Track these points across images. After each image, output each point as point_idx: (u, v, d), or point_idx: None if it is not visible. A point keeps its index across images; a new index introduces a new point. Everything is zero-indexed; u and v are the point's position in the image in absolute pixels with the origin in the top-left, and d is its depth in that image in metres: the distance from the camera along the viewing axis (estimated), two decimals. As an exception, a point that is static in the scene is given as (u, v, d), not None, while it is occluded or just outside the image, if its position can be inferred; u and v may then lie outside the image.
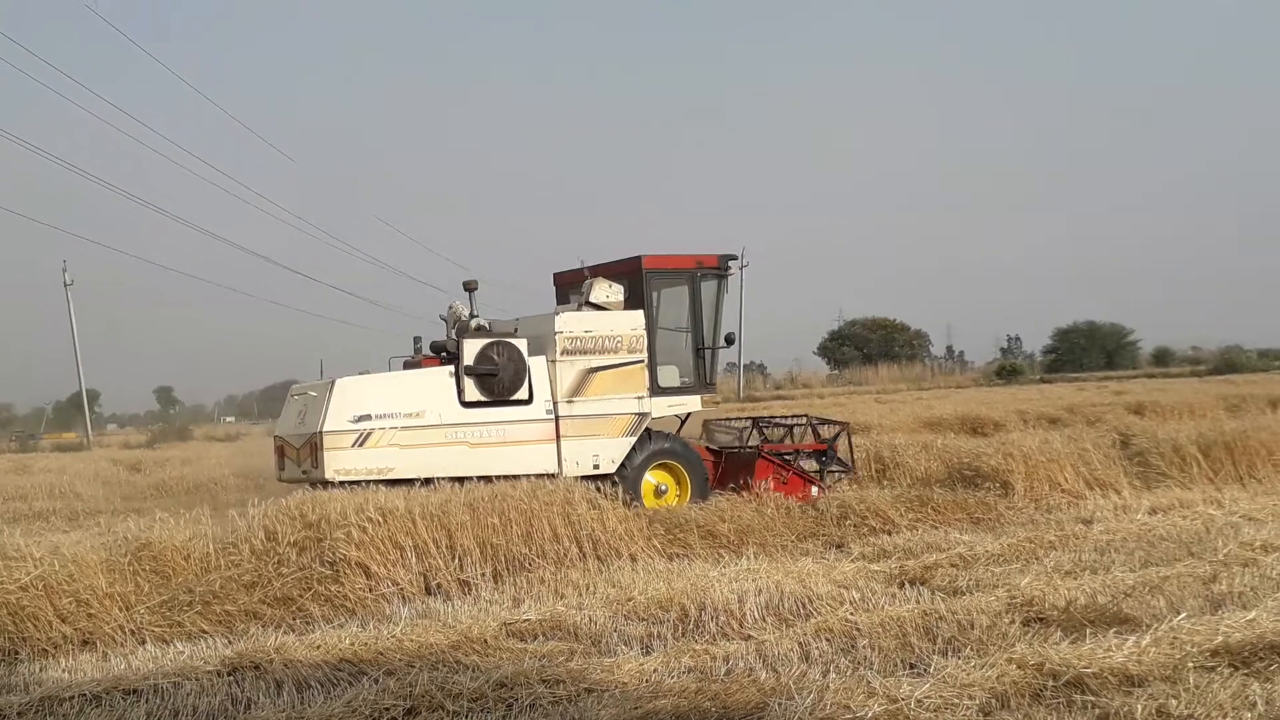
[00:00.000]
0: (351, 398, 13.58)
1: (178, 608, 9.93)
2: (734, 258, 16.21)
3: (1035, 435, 17.15)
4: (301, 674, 7.74)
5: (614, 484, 12.92)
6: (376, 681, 7.37)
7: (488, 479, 12.88)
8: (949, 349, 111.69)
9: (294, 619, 9.90)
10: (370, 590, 10.46)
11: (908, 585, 9.88)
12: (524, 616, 9.05)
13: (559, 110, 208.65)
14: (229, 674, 7.91)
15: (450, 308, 15.30)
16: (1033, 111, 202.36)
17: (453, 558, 11.06)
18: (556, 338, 14.57)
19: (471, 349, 14.08)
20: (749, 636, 8.26)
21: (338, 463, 13.31)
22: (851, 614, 8.59)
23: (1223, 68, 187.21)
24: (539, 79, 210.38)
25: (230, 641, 9.04)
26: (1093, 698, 6.20)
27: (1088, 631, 7.52)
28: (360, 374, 14.35)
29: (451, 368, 14.14)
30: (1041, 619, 8.19)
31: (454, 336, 14.72)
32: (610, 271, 15.53)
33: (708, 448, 16.43)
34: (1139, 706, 5.87)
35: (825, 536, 13.10)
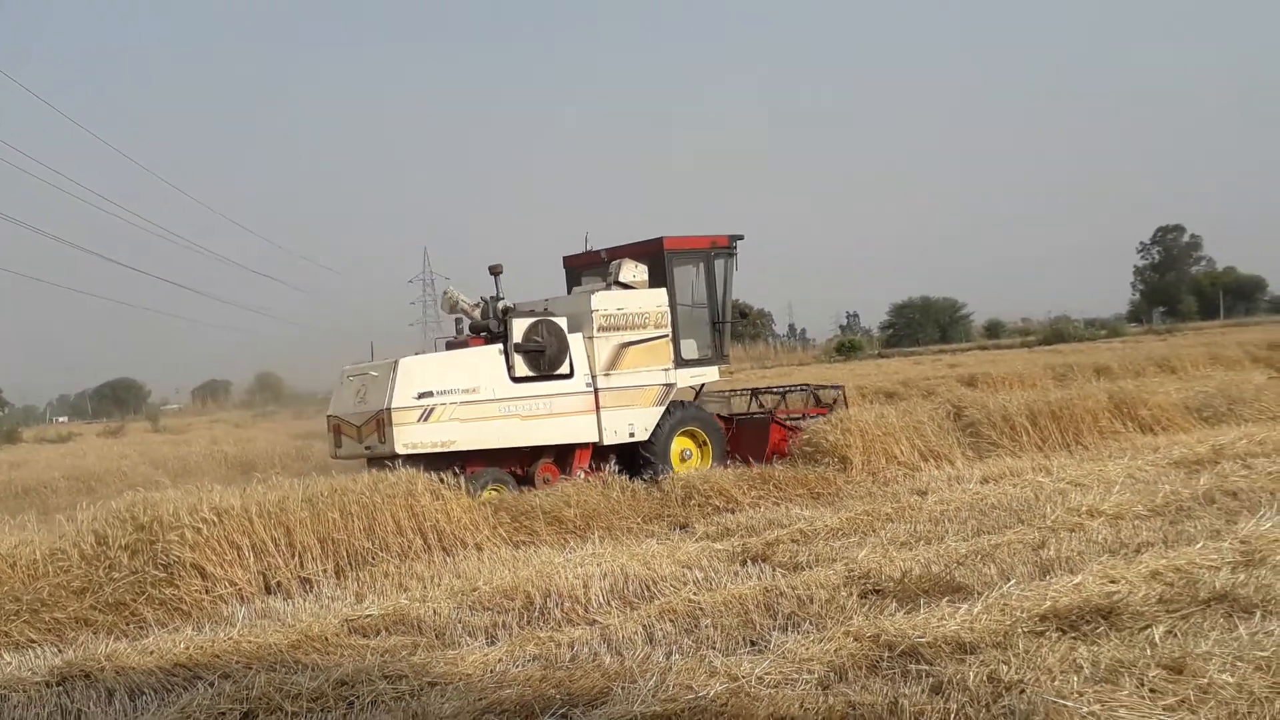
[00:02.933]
0: (415, 375, 14.25)
1: (4, 617, 9.57)
2: (740, 238, 17.10)
3: (872, 410, 17.43)
4: (134, 681, 7.52)
5: (455, 472, 12.85)
6: (212, 685, 7.18)
7: (537, 449, 15.01)
8: (791, 327, 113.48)
9: (127, 625, 9.61)
10: (207, 592, 10.19)
11: (750, 563, 9.99)
12: (366, 612, 8.91)
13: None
14: (58, 684, 7.65)
15: (445, 294, 16.33)
16: (868, 97, 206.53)
17: (292, 555, 10.83)
18: (593, 315, 15.50)
19: (519, 328, 14.93)
20: (594, 621, 8.26)
21: (405, 437, 13.95)
22: (695, 594, 8.65)
23: (1051, 60, 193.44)
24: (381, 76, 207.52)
25: (60, 650, 8.72)
26: (927, 667, 6.32)
27: (922, 601, 7.68)
28: (416, 354, 15.05)
29: (500, 346, 14.94)
30: (878, 590, 8.35)
31: (477, 319, 15.78)
32: (633, 252, 16.45)
33: (719, 415, 17.37)
34: (971, 674, 5.98)
35: (670, 517, 13.15)
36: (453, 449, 14.20)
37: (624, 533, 12.33)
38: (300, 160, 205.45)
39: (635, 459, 15.73)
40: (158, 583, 10.15)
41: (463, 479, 12.77)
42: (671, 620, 8.05)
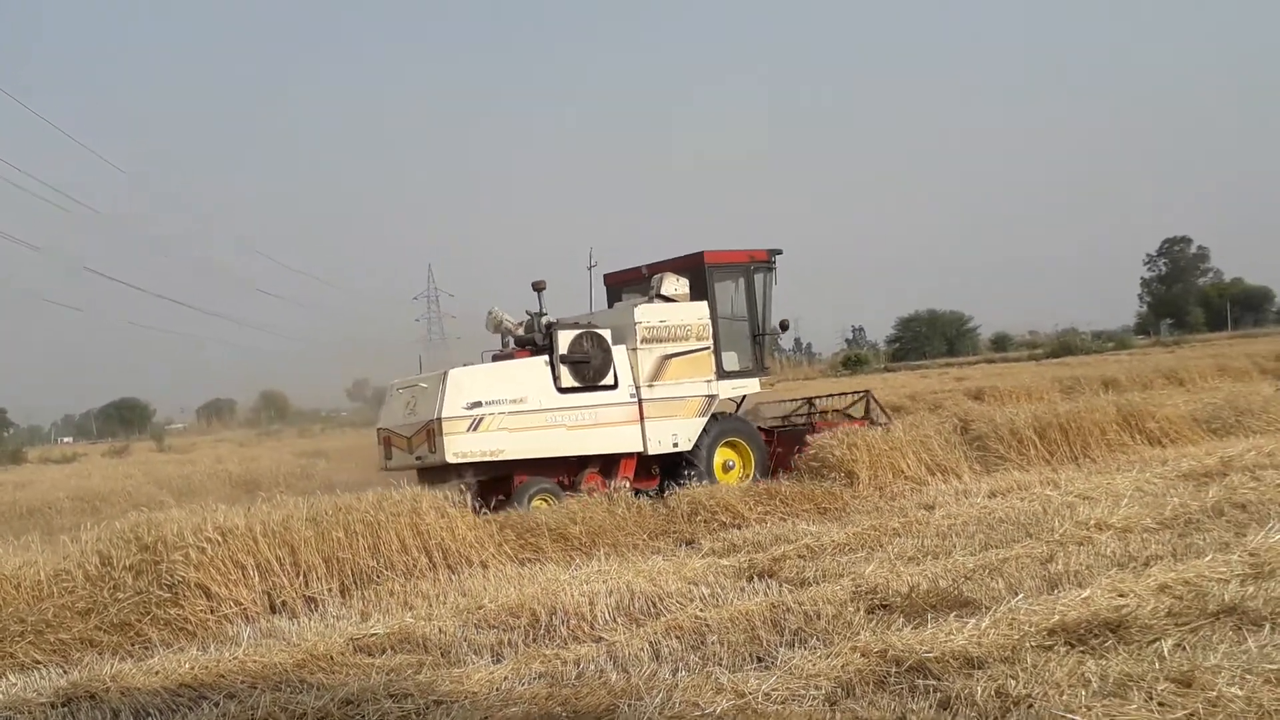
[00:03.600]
0: (464, 386, 14.58)
1: (9, 638, 9.54)
2: (779, 252, 17.62)
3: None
4: (139, 701, 7.50)
5: (462, 490, 12.86)
6: (217, 705, 7.17)
7: (582, 459, 15.29)
8: (797, 341, 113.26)
9: (132, 645, 9.60)
10: (212, 612, 10.17)
11: (756, 578, 9.95)
12: (371, 631, 8.89)
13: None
14: (64, 705, 7.65)
15: (490, 313, 16.59)
16: (868, 99, 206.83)
17: (297, 574, 10.81)
18: (636, 328, 15.82)
19: (565, 339, 15.31)
20: (600, 638, 8.23)
21: (456, 446, 14.25)
22: (701, 610, 8.62)
23: (1049, 62, 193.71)
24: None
25: (65, 671, 8.70)
26: (935, 682, 6.29)
27: (929, 616, 7.66)
28: (464, 365, 15.37)
29: (546, 357, 15.27)
30: (885, 606, 8.31)
31: (515, 335, 16.23)
32: (674, 267, 16.83)
33: (760, 426, 17.78)
34: (979, 688, 5.97)
35: (676, 533, 13.11)
36: (501, 458, 14.51)
37: (630, 549, 12.28)
38: (298, 160, 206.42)
39: (677, 469, 15.93)
40: (162, 603, 10.13)
41: (469, 495, 12.79)
42: (678, 637, 8.01)
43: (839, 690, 6.38)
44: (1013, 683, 5.99)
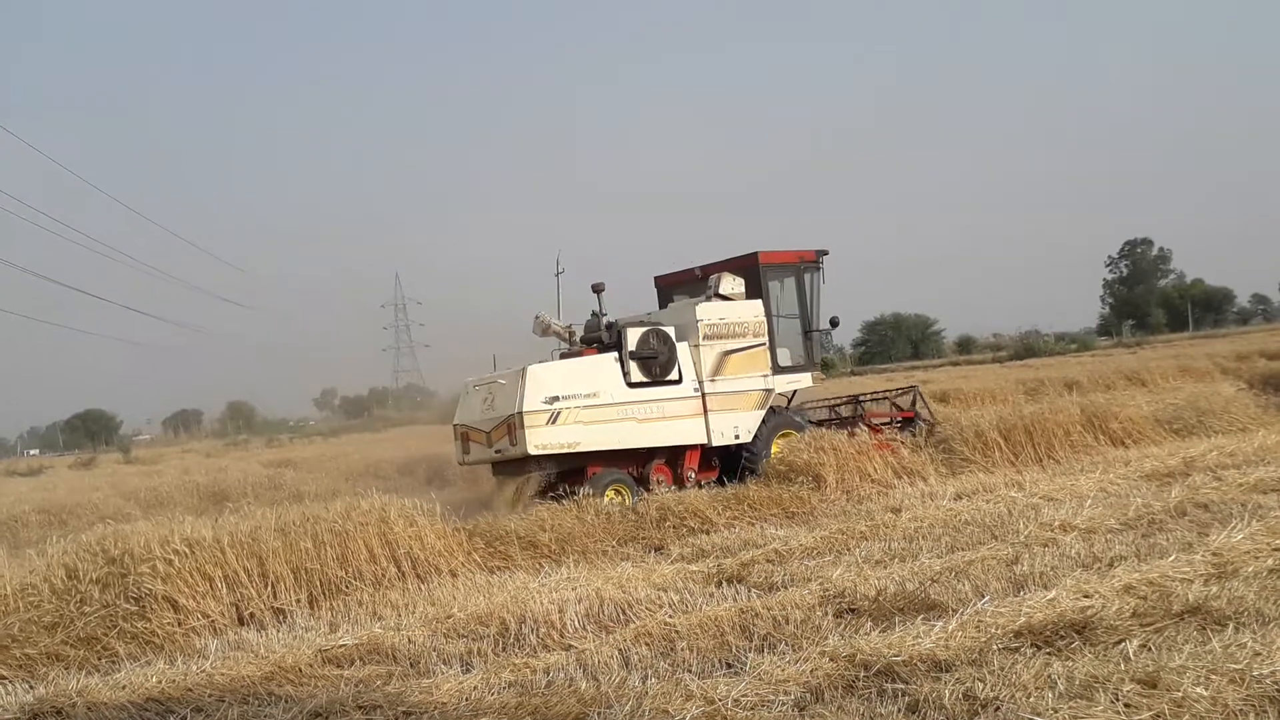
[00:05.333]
0: (543, 381, 15.28)
1: (-26, 655, 9.46)
2: (826, 252, 18.39)
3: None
4: (106, 717, 7.46)
5: (432, 496, 12.81)
6: (185, 719, 7.12)
7: (650, 451, 16.09)
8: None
9: (99, 659, 9.50)
10: (179, 624, 10.09)
11: (725, 584, 9.95)
12: (340, 642, 8.86)
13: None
14: (30, 721, 7.58)
15: (537, 318, 17.30)
16: (831, 106, 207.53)
17: (265, 585, 10.74)
18: (699, 325, 16.63)
19: (633, 337, 16.04)
20: (570, 646, 8.22)
21: (537, 439, 15.01)
22: (670, 617, 8.62)
23: (1011, 65, 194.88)
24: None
25: (31, 686, 8.61)
26: (903, 685, 6.32)
27: (897, 620, 7.70)
28: (540, 363, 15.93)
29: (615, 354, 15.98)
30: (853, 609, 8.34)
31: (574, 335, 17.04)
32: (729, 267, 17.57)
33: (811, 420, 18.57)
34: (947, 691, 6.00)
35: (645, 540, 13.10)
36: (577, 450, 15.30)
37: (599, 556, 12.28)
38: (263, 170, 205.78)
39: (735, 461, 16.71)
40: (129, 616, 10.05)
41: (438, 508, 12.77)
42: (647, 644, 8.02)
43: (808, 695, 6.40)
44: (980, 685, 6.02)
